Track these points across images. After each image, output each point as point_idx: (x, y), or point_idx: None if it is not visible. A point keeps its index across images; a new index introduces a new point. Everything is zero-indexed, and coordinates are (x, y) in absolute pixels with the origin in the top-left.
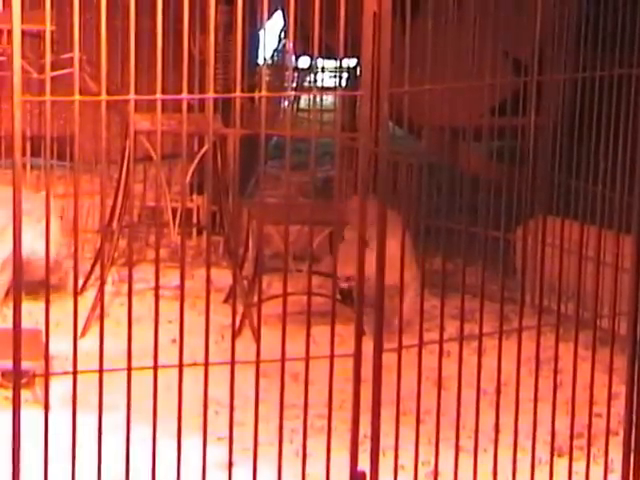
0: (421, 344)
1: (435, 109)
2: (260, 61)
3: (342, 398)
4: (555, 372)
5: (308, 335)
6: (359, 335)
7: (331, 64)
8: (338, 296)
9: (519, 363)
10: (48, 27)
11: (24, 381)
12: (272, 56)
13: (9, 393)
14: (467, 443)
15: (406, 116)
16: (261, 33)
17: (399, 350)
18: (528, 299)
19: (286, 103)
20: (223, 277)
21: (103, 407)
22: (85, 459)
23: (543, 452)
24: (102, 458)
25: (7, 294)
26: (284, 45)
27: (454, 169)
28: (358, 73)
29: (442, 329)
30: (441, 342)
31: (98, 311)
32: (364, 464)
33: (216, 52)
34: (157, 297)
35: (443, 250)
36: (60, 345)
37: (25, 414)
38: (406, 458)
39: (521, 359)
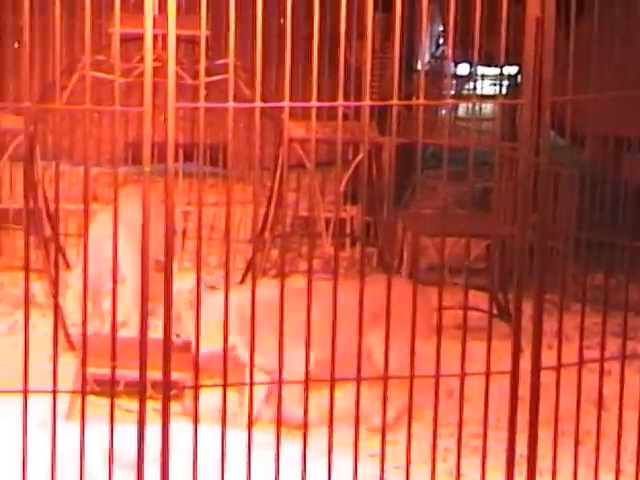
0: (581, 362)
1: (599, 118)
2: (418, 68)
3: (498, 417)
4: None
5: (464, 351)
6: (517, 352)
7: (491, 71)
8: (495, 311)
9: None
10: (203, 32)
11: (173, 393)
12: (430, 63)
13: (158, 405)
14: (628, 467)
15: (568, 125)
16: (419, 40)
17: (558, 368)
18: None
19: (444, 111)
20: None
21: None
22: (233, 474)
23: None
24: (251, 473)
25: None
26: (443, 52)
27: (618, 181)
28: (519, 81)
29: (603, 347)
30: (602, 361)
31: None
32: None
33: (373, 59)
34: (309, 308)
35: (605, 265)
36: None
37: (174, 426)
38: None
39: None
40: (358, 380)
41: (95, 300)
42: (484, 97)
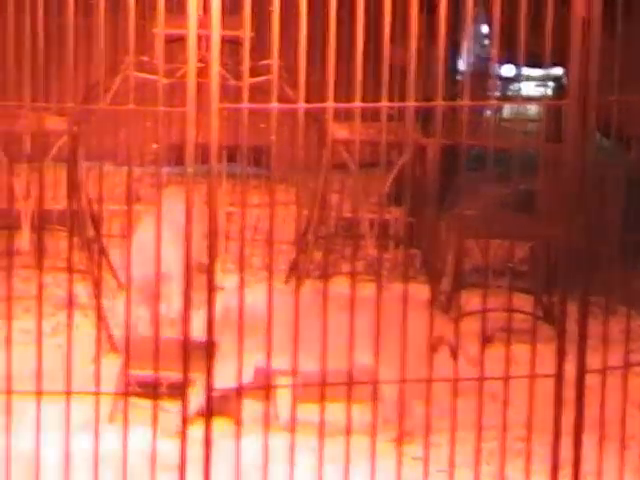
0: (626, 365)
1: None
2: (462, 69)
3: (542, 420)
4: None
5: (508, 353)
6: (561, 355)
7: (536, 72)
8: (539, 314)
9: None
10: (247, 33)
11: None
12: (474, 64)
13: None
14: None
15: (614, 126)
16: (463, 40)
17: (603, 371)
18: None
19: (488, 113)
20: (420, 291)
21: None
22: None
23: None
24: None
25: None
26: (488, 52)
27: None
28: (564, 82)
29: None
30: None
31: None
32: None
33: (417, 60)
34: (352, 310)
35: None
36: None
37: (216, 428)
38: None
39: None
40: (402, 381)
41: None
42: (529, 98)
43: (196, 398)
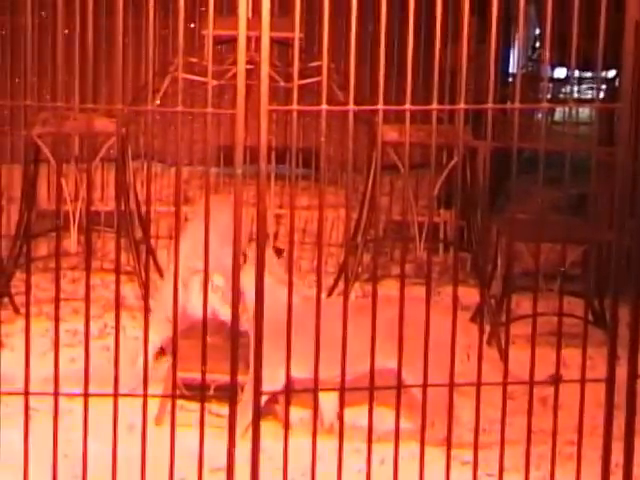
0: None
1: None
2: (513, 71)
3: (593, 424)
4: None
5: (558, 358)
6: (612, 359)
7: (589, 75)
8: (590, 317)
9: None
10: (297, 34)
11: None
12: (526, 66)
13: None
14: None
15: None
16: (515, 42)
17: None
18: None
19: (540, 115)
20: (470, 295)
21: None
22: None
23: None
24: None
25: None
26: (539, 55)
27: None
28: (617, 84)
29: None
30: None
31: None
32: None
33: (468, 62)
34: (402, 314)
35: None
36: None
37: (264, 431)
38: None
39: None
40: (451, 385)
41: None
42: (581, 101)
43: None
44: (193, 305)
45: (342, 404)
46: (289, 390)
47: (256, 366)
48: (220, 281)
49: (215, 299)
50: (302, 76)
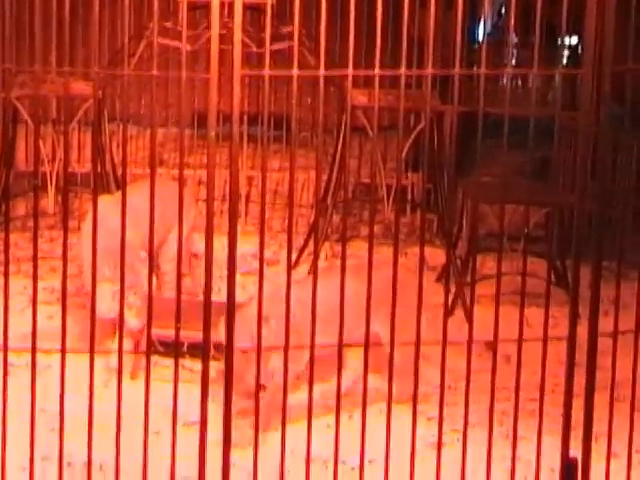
0: (638, 329)
1: None
2: (479, 37)
3: (554, 382)
4: None
5: (522, 316)
6: (574, 318)
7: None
8: (553, 278)
9: None
10: (269, 0)
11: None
12: (492, 33)
13: (221, 366)
14: None
15: (628, 95)
16: (481, 9)
17: (615, 335)
18: None
19: (505, 81)
20: (436, 255)
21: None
22: (291, 433)
23: None
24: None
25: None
26: (504, 21)
27: None
28: (580, 50)
29: None
30: None
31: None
32: (576, 450)
33: (435, 29)
34: (370, 274)
35: None
36: None
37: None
38: (619, 445)
39: None
40: (417, 344)
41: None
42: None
43: None
44: (102, 312)
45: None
46: (259, 347)
47: (228, 330)
48: (135, 299)
49: (129, 314)
50: (274, 41)
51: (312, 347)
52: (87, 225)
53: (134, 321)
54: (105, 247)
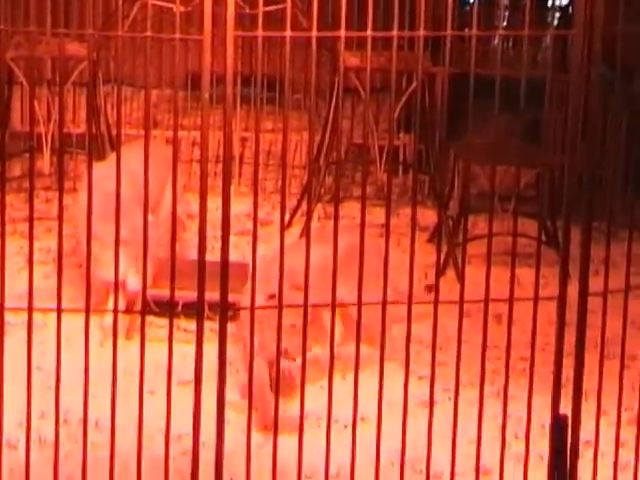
0: (627, 288)
1: None
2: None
3: (545, 341)
4: None
5: (513, 276)
6: (564, 278)
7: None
8: (544, 238)
9: None
10: None
11: (230, 314)
12: None
13: (216, 325)
14: None
15: (619, 57)
16: None
17: (605, 294)
18: None
19: (496, 42)
20: (428, 216)
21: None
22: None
23: None
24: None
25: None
26: None
27: None
28: (570, 11)
29: None
30: None
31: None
32: (566, 407)
33: None
34: (363, 234)
35: None
36: None
37: (230, 346)
38: (609, 403)
39: None
40: (409, 303)
41: None
42: (537, 28)
43: None
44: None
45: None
46: (253, 306)
47: (222, 283)
48: (134, 283)
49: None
50: (267, 3)
51: (305, 308)
52: (83, 188)
53: (134, 282)
54: (109, 212)
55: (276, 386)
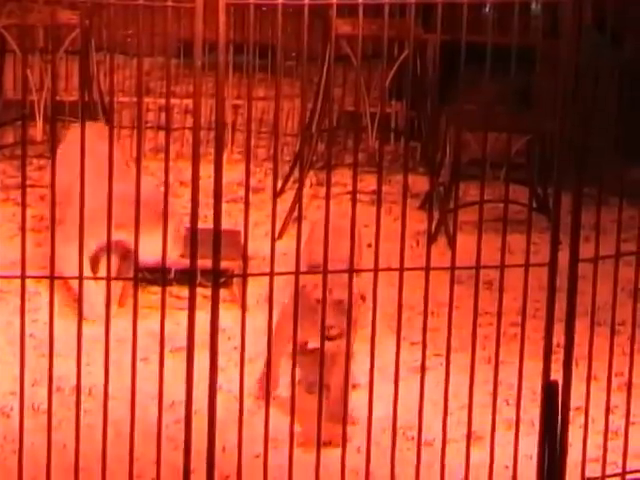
0: (618, 254)
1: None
2: None
3: (536, 307)
4: None
5: (504, 243)
6: (555, 244)
7: None
8: (534, 204)
9: None
10: None
11: (222, 281)
12: None
13: (208, 292)
14: None
15: (609, 23)
16: None
17: (595, 260)
18: None
19: (487, 9)
20: (419, 183)
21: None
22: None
23: None
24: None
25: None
26: None
27: None
28: None
29: None
30: (638, 253)
31: (296, 213)
32: (556, 373)
33: None
34: (354, 201)
35: None
36: (258, 246)
37: (223, 313)
38: (599, 369)
39: None
40: (401, 270)
41: None
42: None
43: None
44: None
45: (296, 284)
46: (246, 273)
47: (214, 250)
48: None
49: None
50: None
51: (297, 274)
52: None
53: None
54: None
55: (320, 357)
